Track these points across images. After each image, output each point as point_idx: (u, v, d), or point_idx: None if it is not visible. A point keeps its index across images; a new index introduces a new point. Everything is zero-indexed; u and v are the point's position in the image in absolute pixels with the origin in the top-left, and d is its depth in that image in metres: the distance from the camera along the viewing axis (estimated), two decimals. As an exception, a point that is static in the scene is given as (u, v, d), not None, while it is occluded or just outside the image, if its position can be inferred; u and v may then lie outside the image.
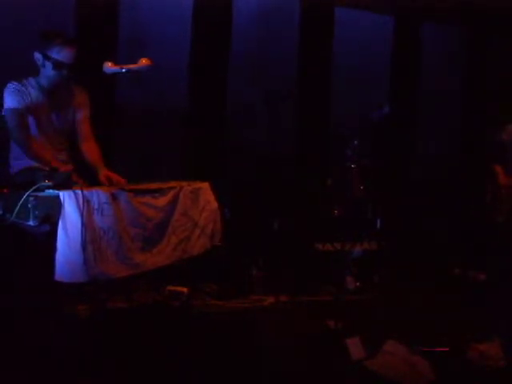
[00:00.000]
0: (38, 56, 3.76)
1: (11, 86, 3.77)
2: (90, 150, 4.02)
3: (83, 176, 3.93)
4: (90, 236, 3.13)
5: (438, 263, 5.49)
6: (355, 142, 4.91)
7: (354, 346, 3.65)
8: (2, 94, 3.81)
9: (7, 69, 4.58)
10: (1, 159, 3.96)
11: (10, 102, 3.76)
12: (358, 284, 4.98)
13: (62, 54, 3.72)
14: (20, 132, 3.75)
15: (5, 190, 3.20)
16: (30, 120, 3.81)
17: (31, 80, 3.84)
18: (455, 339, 3.81)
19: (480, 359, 3.61)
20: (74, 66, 3.76)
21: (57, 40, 3.72)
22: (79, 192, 3.12)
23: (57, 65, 3.72)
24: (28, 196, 3.06)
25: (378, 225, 5.19)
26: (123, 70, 3.64)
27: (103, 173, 3.83)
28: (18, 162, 3.86)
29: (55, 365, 3.12)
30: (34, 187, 3.10)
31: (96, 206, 3.18)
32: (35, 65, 3.80)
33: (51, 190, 3.14)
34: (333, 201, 5.19)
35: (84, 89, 4.08)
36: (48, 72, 3.77)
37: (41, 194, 3.12)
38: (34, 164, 3.76)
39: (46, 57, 3.73)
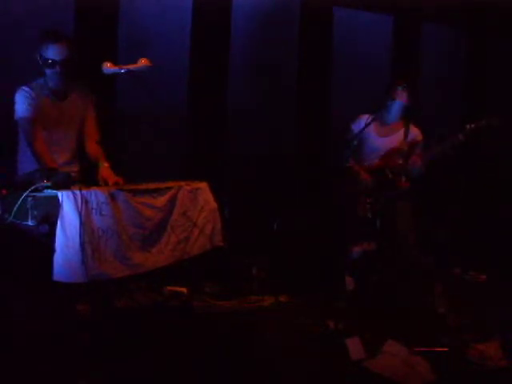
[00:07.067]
0: (37, 57, 3.76)
1: (22, 93, 3.76)
2: (93, 148, 4.01)
3: (86, 176, 3.92)
4: (88, 236, 3.13)
5: (437, 263, 5.48)
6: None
7: (354, 346, 3.65)
8: (4, 94, 3.82)
9: (7, 69, 4.60)
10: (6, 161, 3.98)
11: (21, 110, 3.75)
12: (357, 284, 4.97)
13: (49, 51, 3.69)
14: (36, 141, 3.74)
15: (3, 191, 3.20)
16: (39, 122, 3.78)
17: (39, 82, 3.83)
18: (455, 339, 3.82)
19: (480, 359, 3.61)
20: (69, 63, 3.73)
21: (46, 38, 3.73)
22: (77, 192, 3.12)
23: (47, 63, 3.71)
24: (26, 196, 3.06)
25: (378, 225, 5.17)
26: (122, 71, 3.63)
27: (103, 168, 3.81)
28: (26, 165, 3.85)
29: (54, 365, 3.12)
30: (32, 187, 3.10)
31: (94, 206, 3.18)
32: (39, 66, 3.80)
33: (50, 190, 3.14)
34: (332, 201, 5.19)
35: (89, 89, 4.07)
36: (46, 71, 3.76)
37: (39, 194, 3.11)
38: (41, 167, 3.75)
39: (40, 56, 3.73)
